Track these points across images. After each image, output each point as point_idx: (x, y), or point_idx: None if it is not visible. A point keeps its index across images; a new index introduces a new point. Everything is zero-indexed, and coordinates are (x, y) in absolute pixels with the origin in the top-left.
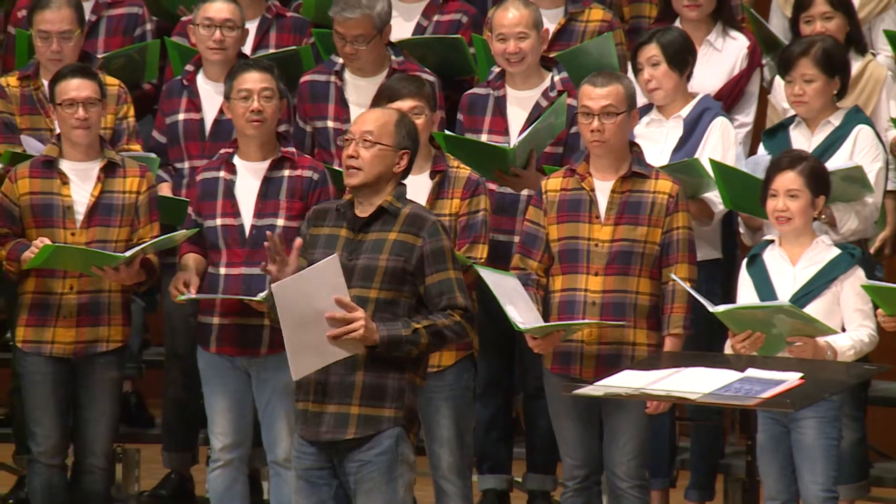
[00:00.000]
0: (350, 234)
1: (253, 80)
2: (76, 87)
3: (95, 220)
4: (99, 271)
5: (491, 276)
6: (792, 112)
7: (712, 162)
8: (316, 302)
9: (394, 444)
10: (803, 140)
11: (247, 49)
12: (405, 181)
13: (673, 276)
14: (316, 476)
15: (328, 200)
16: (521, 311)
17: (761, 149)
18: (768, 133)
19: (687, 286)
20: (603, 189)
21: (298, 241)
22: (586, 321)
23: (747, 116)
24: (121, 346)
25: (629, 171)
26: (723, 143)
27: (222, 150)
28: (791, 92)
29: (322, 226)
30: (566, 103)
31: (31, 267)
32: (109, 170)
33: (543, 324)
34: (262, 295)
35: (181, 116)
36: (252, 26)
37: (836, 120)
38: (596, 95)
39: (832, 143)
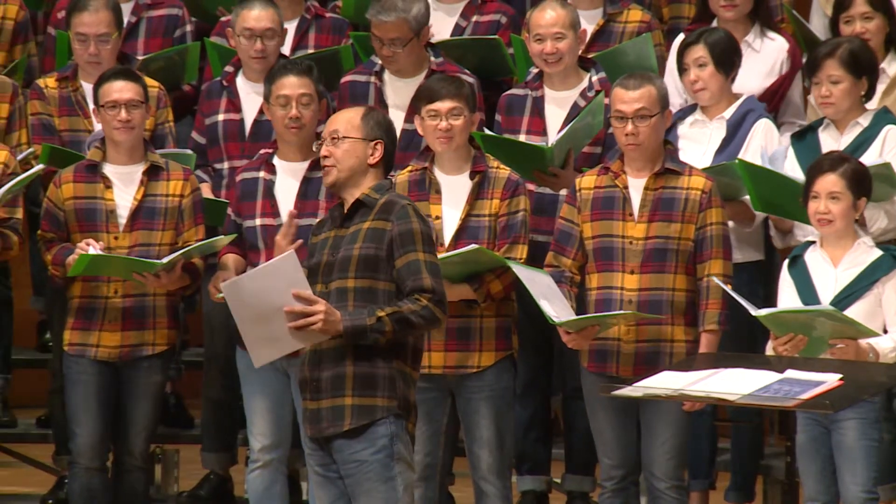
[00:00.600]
0: (336, 231)
1: (291, 85)
2: (119, 90)
3: (138, 223)
4: (140, 277)
5: (524, 272)
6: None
7: (741, 162)
8: (273, 297)
9: (389, 443)
10: (832, 142)
11: (285, 49)
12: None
13: (715, 279)
14: (331, 471)
15: None
16: (556, 307)
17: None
18: (797, 135)
19: (728, 288)
20: (636, 186)
21: (292, 212)
22: (620, 312)
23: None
24: (166, 349)
25: (662, 168)
26: (766, 144)
27: (262, 151)
28: (818, 93)
29: (320, 233)
30: (604, 103)
31: (74, 274)
32: (153, 173)
33: (577, 316)
34: None
35: (221, 117)
36: (291, 27)
37: (864, 121)
38: (629, 99)
39: (861, 144)
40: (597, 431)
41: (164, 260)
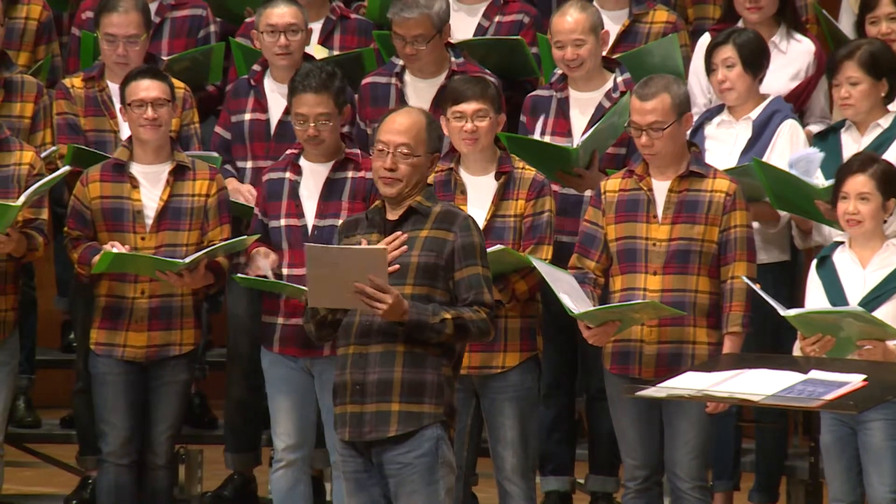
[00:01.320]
0: (382, 237)
1: (308, 104)
2: (145, 88)
3: (165, 223)
4: (163, 276)
5: (546, 269)
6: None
7: (756, 161)
8: (351, 275)
9: (434, 446)
10: (853, 143)
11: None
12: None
13: (745, 279)
14: (365, 477)
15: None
16: (576, 302)
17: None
18: (820, 136)
19: (757, 288)
20: (661, 189)
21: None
22: (640, 301)
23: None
24: (192, 349)
25: (686, 171)
26: (791, 145)
27: (288, 151)
28: (837, 95)
29: (353, 235)
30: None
31: (98, 272)
32: (179, 173)
33: (597, 307)
34: None
35: (247, 116)
36: (316, 27)
37: (885, 122)
38: (643, 110)
39: (881, 145)
40: (620, 432)
41: (188, 259)
